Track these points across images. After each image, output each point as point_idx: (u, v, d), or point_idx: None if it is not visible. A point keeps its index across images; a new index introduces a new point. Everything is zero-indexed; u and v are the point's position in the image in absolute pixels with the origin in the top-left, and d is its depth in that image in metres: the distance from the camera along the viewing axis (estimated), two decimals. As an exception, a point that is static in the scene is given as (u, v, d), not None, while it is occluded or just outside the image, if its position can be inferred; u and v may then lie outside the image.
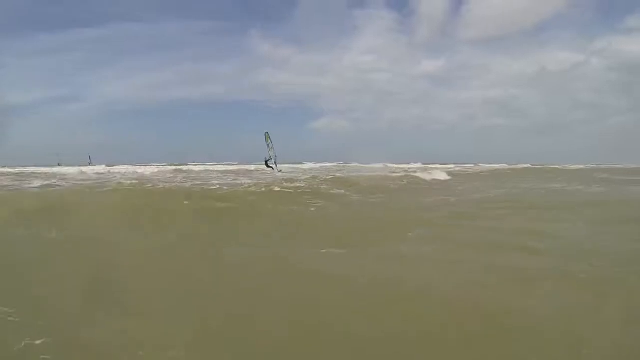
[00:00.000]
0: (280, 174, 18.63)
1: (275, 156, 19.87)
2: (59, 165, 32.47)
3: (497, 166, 43.61)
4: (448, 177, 19.56)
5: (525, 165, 47.08)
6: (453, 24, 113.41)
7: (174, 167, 27.22)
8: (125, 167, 23.04)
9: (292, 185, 12.41)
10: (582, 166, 40.70)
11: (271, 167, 19.56)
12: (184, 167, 28.03)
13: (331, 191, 11.91)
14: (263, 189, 11.08)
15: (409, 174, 19.86)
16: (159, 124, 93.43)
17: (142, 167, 24.76)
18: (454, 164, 46.50)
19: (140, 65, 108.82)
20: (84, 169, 22.70)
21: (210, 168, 27.15)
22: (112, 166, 24.98)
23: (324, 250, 5.53)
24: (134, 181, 12.61)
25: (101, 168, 22.01)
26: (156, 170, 22.11)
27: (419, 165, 41.81)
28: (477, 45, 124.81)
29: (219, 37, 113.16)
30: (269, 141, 19.45)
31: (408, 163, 44.50)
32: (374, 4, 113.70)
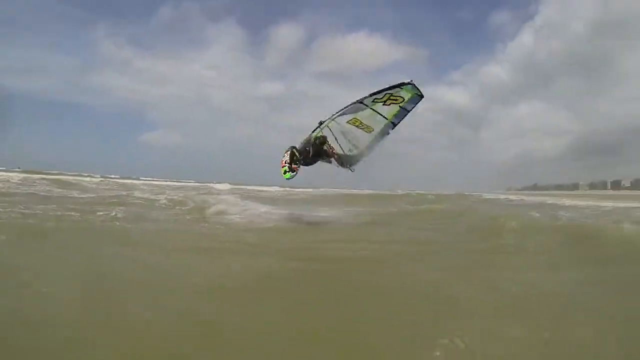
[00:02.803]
0: None
1: None
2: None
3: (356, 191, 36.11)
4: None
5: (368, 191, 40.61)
6: (302, 55, 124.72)
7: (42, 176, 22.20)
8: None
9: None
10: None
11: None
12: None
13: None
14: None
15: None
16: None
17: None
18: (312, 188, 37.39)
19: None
20: None
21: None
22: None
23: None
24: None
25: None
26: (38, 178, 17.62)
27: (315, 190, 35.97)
28: (321, 77, 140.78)
29: (60, 24, 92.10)
30: None
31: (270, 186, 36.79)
32: (228, 20, 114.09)
